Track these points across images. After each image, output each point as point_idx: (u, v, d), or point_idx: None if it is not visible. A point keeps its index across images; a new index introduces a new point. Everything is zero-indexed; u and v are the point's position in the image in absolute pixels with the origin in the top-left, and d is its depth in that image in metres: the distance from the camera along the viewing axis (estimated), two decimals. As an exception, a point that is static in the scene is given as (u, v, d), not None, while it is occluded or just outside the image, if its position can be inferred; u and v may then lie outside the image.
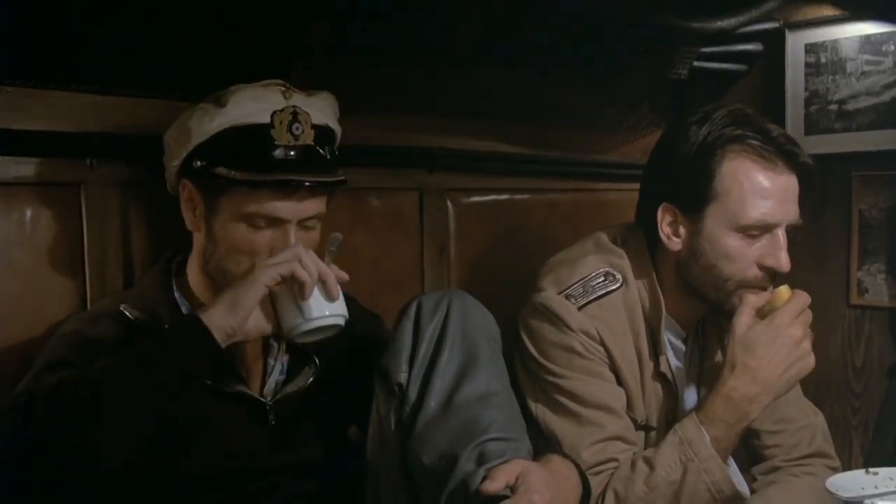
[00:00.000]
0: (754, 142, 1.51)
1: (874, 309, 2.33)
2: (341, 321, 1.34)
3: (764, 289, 1.55)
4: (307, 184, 1.34)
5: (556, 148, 2.31)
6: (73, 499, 1.18)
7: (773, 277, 1.54)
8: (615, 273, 1.61)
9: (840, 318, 2.37)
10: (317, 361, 1.47)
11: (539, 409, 1.58)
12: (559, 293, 1.59)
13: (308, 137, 1.37)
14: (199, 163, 1.36)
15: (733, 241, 1.53)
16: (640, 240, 1.66)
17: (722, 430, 1.49)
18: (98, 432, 1.15)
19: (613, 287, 1.60)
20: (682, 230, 1.58)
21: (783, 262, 1.52)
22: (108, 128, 1.57)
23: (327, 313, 1.31)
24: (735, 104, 1.56)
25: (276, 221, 1.35)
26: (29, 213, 1.50)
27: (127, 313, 1.37)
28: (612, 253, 1.65)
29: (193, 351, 1.24)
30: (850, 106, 2.30)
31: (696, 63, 2.28)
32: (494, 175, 2.19)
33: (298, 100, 1.37)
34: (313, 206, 1.37)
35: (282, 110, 1.35)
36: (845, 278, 2.36)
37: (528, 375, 1.62)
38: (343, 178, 1.41)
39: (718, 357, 1.70)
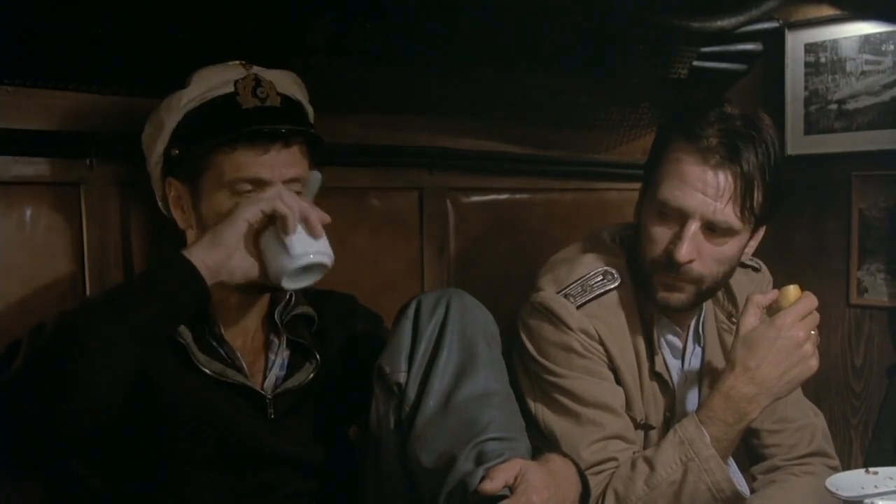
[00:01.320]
0: (698, 133, 1.50)
1: (874, 308, 2.33)
2: (327, 260, 1.34)
3: (669, 276, 1.54)
4: (283, 131, 1.36)
5: (556, 148, 2.31)
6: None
7: (674, 267, 1.51)
8: (613, 272, 1.61)
9: (840, 318, 2.37)
10: (318, 357, 1.47)
11: (538, 409, 1.58)
12: (558, 292, 1.59)
13: (274, 101, 1.40)
14: (176, 151, 1.39)
15: (652, 222, 1.55)
16: (636, 238, 1.66)
17: (721, 430, 1.49)
18: (80, 363, 1.15)
19: (612, 286, 1.60)
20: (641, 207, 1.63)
21: (679, 250, 1.50)
22: (108, 128, 1.58)
23: (312, 250, 1.31)
24: (725, 102, 1.55)
25: (258, 184, 1.36)
26: (29, 213, 1.50)
27: None
28: (610, 252, 1.65)
29: (178, 283, 1.24)
30: (850, 106, 2.30)
31: (696, 63, 2.28)
32: (494, 175, 2.19)
33: (259, 70, 1.41)
34: (292, 163, 1.39)
35: (244, 78, 1.39)
36: (845, 278, 2.36)
37: (527, 375, 1.62)
38: (314, 131, 1.43)
39: (719, 356, 1.70)
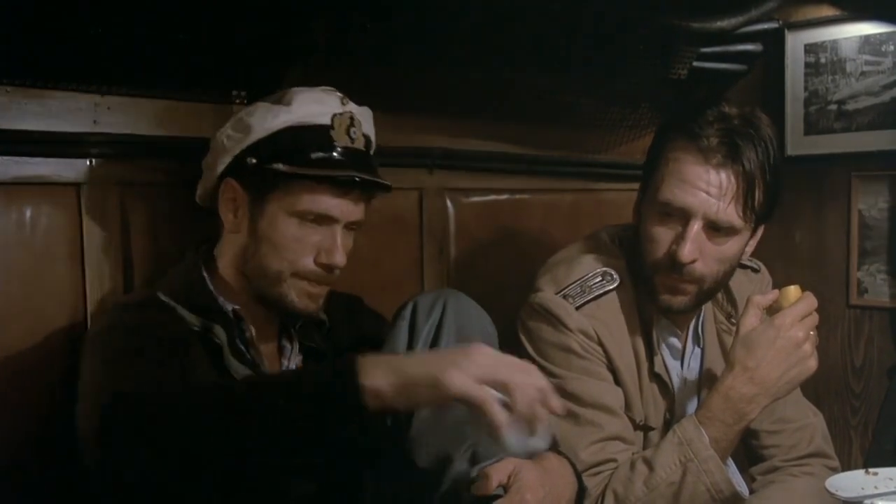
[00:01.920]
0: (698, 132, 1.49)
1: (874, 309, 2.33)
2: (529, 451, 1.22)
3: (671, 277, 1.53)
4: (356, 179, 1.38)
5: (556, 148, 2.31)
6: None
7: (677, 267, 1.51)
8: (612, 273, 1.61)
9: (840, 318, 2.37)
10: None
11: (537, 409, 1.58)
12: (557, 293, 1.59)
13: (360, 143, 1.43)
14: (252, 160, 1.38)
15: (653, 222, 1.54)
16: (636, 239, 1.66)
17: (721, 431, 1.49)
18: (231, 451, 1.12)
19: (611, 287, 1.60)
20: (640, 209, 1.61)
21: (682, 250, 1.49)
22: (107, 128, 1.58)
23: (514, 447, 1.14)
24: (723, 102, 1.55)
25: (326, 220, 1.38)
26: (29, 213, 1.50)
27: (168, 301, 1.38)
28: (609, 253, 1.65)
29: (343, 409, 1.12)
30: (850, 106, 2.30)
31: (696, 63, 2.28)
32: (494, 175, 2.19)
33: (353, 107, 1.43)
34: (361, 209, 1.43)
35: (341, 114, 1.40)
36: (845, 278, 2.36)
37: (526, 375, 1.62)
38: (390, 184, 1.46)
39: (718, 357, 1.70)
